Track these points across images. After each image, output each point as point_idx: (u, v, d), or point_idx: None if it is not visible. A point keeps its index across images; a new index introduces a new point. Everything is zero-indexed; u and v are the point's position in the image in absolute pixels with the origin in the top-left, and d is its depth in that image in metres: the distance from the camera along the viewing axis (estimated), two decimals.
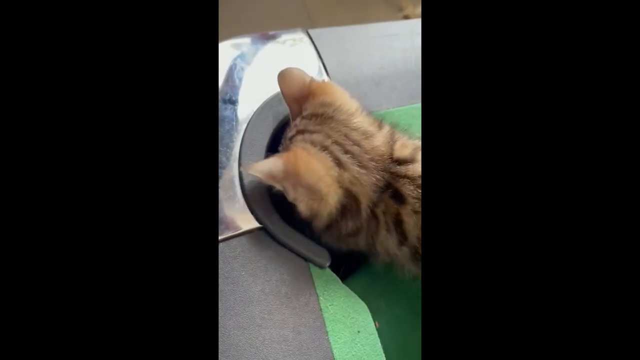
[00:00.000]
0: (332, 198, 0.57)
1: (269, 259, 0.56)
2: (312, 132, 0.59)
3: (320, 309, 0.56)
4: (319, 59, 0.76)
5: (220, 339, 0.49)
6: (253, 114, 0.67)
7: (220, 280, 0.52)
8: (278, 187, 0.57)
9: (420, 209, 0.57)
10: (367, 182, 0.57)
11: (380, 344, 0.57)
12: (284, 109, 0.68)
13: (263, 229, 0.58)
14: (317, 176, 0.56)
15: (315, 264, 0.59)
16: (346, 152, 0.58)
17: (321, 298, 0.57)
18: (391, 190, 0.58)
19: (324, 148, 0.57)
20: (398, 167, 0.58)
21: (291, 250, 0.58)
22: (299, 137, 0.59)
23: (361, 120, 0.61)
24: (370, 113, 0.65)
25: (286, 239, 0.58)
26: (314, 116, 0.60)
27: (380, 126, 0.62)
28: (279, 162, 0.55)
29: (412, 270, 0.61)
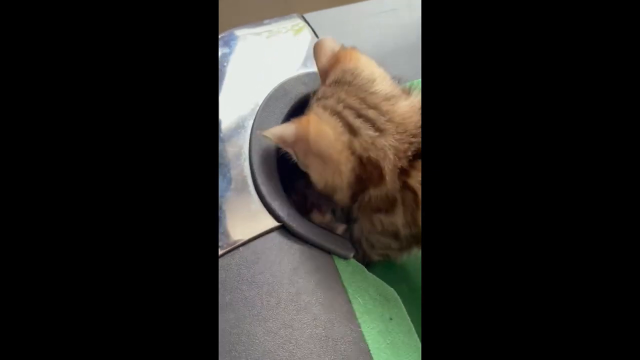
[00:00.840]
0: (345, 166, 0.55)
1: (292, 258, 0.55)
2: (327, 97, 0.57)
3: (350, 301, 0.55)
4: None
5: (251, 347, 0.48)
6: (259, 108, 0.66)
7: (245, 286, 0.52)
8: (290, 152, 0.57)
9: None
10: (384, 146, 0.54)
11: (414, 328, 0.56)
12: (289, 99, 0.66)
13: (282, 227, 0.57)
14: (327, 142, 0.54)
15: (339, 255, 0.58)
16: (359, 115, 0.55)
17: (349, 290, 0.56)
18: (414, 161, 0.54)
19: (335, 113, 0.55)
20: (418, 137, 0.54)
21: (313, 244, 0.57)
22: (316, 103, 0.58)
23: (384, 86, 0.58)
24: (400, 82, 0.62)
25: (307, 233, 0.57)
26: (333, 82, 0.58)
27: (408, 93, 0.59)
28: (291, 127, 0.55)
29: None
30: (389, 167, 0.54)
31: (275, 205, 0.58)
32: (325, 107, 0.56)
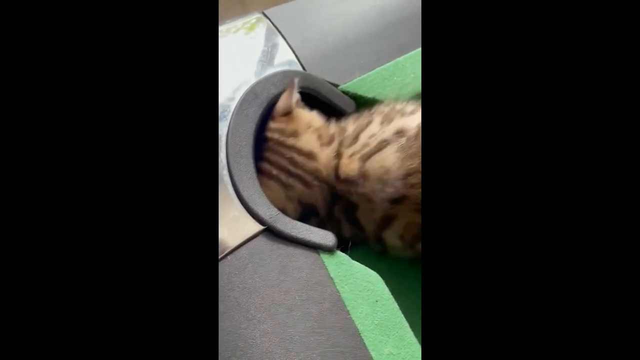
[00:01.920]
0: (290, 209, 0.68)
1: (279, 259, 0.59)
2: (264, 160, 0.69)
3: (338, 291, 0.59)
4: (283, 39, 0.76)
5: (249, 351, 0.52)
6: (232, 114, 0.67)
7: (237, 293, 0.55)
8: None
9: (373, 212, 0.65)
10: (314, 198, 0.68)
11: (398, 307, 0.61)
12: (260, 102, 0.69)
13: (266, 230, 0.61)
14: (271, 198, 0.66)
15: (324, 249, 0.61)
16: (291, 175, 0.68)
17: (336, 280, 0.60)
18: (342, 201, 0.67)
19: (271, 177, 0.68)
20: (345, 185, 0.66)
21: (298, 242, 0.61)
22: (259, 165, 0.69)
23: (308, 141, 0.69)
24: (331, 123, 0.72)
25: (291, 232, 0.60)
26: (269, 141, 0.70)
27: (330, 141, 0.69)
28: None
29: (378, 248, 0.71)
30: (320, 206, 0.69)
31: (258, 209, 0.61)
32: (263, 172, 0.69)
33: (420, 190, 0.62)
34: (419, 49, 0.78)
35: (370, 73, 0.75)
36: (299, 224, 0.62)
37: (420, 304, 0.66)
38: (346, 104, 0.74)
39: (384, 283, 0.62)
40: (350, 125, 0.70)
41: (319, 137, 0.69)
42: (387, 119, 0.67)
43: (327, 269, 0.60)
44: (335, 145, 0.68)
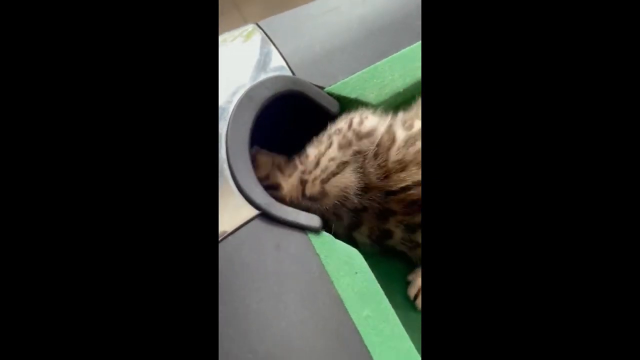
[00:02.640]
0: None
1: (273, 238, 0.70)
2: None
3: (323, 265, 0.70)
4: (275, 48, 0.86)
5: (248, 315, 0.63)
6: (230, 117, 0.78)
7: (236, 267, 0.66)
8: None
9: (341, 221, 0.78)
10: None
11: (374, 278, 0.71)
12: (254, 106, 0.79)
13: (261, 215, 0.71)
14: None
15: (311, 230, 0.72)
16: None
17: (322, 256, 0.70)
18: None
19: None
20: (310, 203, 0.77)
21: (289, 224, 0.71)
22: None
23: (274, 176, 0.80)
24: (290, 160, 0.84)
25: (283, 215, 0.71)
26: None
27: (293, 170, 0.80)
28: None
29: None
30: None
31: (255, 196, 0.72)
32: None
33: (377, 202, 0.76)
34: (397, 54, 0.87)
35: (352, 76, 0.85)
36: (290, 209, 0.73)
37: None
38: (331, 103, 0.84)
39: (362, 258, 0.73)
40: (312, 151, 0.81)
41: (285, 168, 0.82)
42: (345, 144, 0.79)
43: (314, 247, 0.71)
44: (297, 174, 0.80)
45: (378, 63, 0.87)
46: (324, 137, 0.82)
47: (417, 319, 0.79)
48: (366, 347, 0.66)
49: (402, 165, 0.75)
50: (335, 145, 0.79)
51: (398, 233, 0.78)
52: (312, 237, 0.72)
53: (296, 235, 0.71)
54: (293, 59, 0.85)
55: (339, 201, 0.76)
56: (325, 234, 0.73)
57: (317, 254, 0.71)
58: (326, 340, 0.66)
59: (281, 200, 0.78)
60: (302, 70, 0.84)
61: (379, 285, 0.71)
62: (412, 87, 0.87)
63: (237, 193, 0.72)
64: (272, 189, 0.79)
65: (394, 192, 0.76)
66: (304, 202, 0.78)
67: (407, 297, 0.83)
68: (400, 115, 0.84)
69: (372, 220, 0.77)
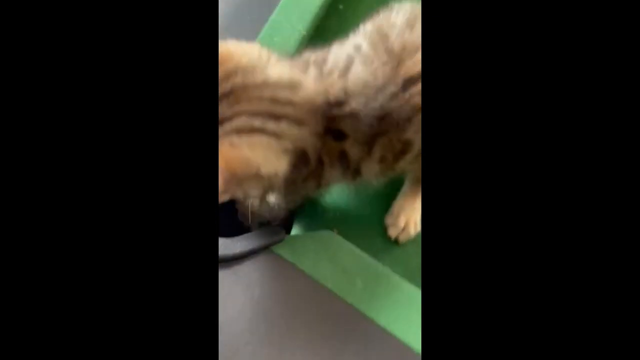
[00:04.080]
0: (282, 168, 0.56)
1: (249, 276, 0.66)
2: (230, 119, 0.53)
3: (301, 269, 0.67)
4: None
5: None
6: None
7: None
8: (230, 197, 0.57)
9: (360, 139, 0.62)
10: (308, 136, 0.58)
11: (354, 247, 0.71)
12: None
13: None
14: (255, 166, 0.53)
15: (276, 244, 0.68)
16: (278, 118, 0.55)
17: (292, 260, 0.68)
18: (332, 131, 0.61)
19: (254, 130, 0.53)
20: (335, 109, 0.59)
21: (254, 252, 0.67)
22: (220, 131, 0.53)
23: (281, 71, 0.56)
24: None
25: (243, 249, 0.66)
26: (224, 97, 0.52)
27: (305, 67, 0.61)
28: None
29: (351, 182, 0.71)
30: (312, 151, 0.61)
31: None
32: (239, 131, 0.52)
33: (400, 103, 0.60)
34: None
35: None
36: (243, 237, 0.68)
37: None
38: None
39: (336, 235, 0.72)
40: (309, 54, 0.64)
41: (291, 64, 0.60)
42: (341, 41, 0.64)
43: (281, 256, 0.68)
44: (312, 68, 0.61)
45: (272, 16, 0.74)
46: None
47: (402, 253, 0.82)
48: (370, 318, 0.66)
49: (410, 50, 0.61)
50: (335, 45, 0.63)
51: (417, 142, 0.64)
52: (277, 249, 0.69)
53: (258, 262, 0.67)
54: None
55: (361, 100, 0.59)
56: (289, 237, 0.70)
57: (288, 259, 0.69)
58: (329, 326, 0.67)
59: (305, 104, 0.58)
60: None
61: (359, 250, 0.72)
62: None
63: None
64: (285, 88, 0.57)
65: (414, 80, 0.60)
66: (330, 112, 0.60)
67: (387, 238, 0.84)
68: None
69: (392, 129, 0.62)
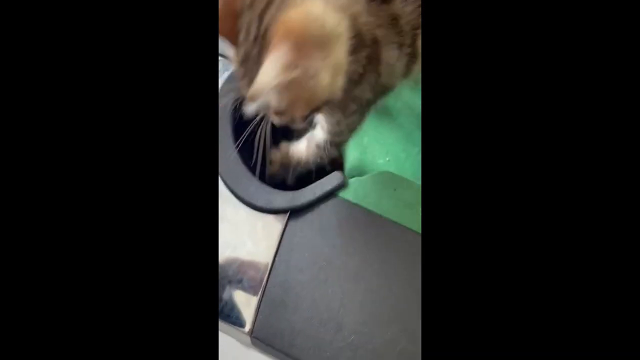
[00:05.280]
0: (342, 29, 0.51)
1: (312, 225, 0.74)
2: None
3: (366, 208, 0.74)
4: None
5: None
6: None
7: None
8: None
9: None
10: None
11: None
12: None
13: (290, 214, 0.74)
14: (320, 20, 0.48)
15: (341, 189, 0.74)
16: None
17: (353, 197, 0.74)
18: None
19: None
20: None
21: (317, 203, 0.74)
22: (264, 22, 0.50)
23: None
24: None
25: (311, 196, 0.73)
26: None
27: None
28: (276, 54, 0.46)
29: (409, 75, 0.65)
30: (363, 27, 0.55)
31: (275, 201, 0.74)
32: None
33: None
34: None
35: None
36: (304, 190, 0.74)
37: None
38: None
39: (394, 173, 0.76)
40: None
41: None
42: None
43: (348, 201, 0.74)
44: None
45: None
46: None
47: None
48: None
49: None
50: None
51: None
52: (342, 194, 0.74)
53: (329, 207, 0.74)
54: None
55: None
56: (349, 182, 0.74)
57: (356, 203, 0.74)
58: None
59: None
60: None
61: (417, 184, 0.75)
62: None
63: (254, 212, 0.75)
64: None
65: None
66: None
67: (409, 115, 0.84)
68: None
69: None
